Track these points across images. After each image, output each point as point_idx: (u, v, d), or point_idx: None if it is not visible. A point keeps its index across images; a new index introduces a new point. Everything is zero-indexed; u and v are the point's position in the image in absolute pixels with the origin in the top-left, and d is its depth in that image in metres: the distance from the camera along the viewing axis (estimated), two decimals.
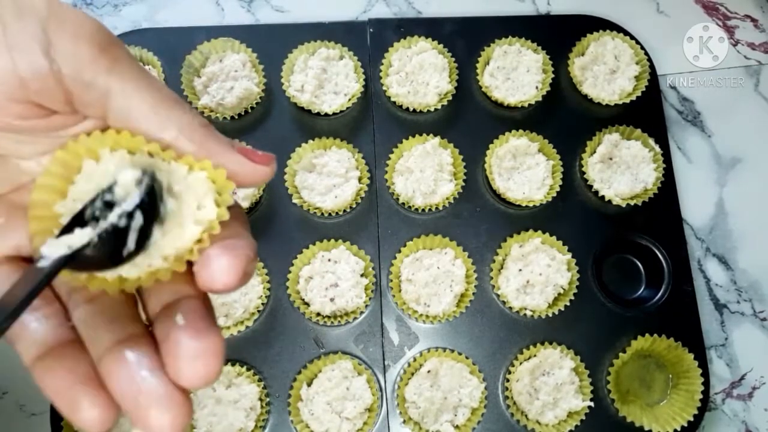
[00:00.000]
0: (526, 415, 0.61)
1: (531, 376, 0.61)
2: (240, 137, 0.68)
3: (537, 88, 0.70)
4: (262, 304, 0.62)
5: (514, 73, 0.71)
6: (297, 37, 0.70)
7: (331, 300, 0.61)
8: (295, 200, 0.65)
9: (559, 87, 0.72)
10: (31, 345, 0.22)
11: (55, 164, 0.23)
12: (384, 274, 0.64)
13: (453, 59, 0.70)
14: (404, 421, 0.59)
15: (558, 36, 0.73)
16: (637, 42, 0.73)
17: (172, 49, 0.69)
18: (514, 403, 0.62)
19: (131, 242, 0.21)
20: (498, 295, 0.64)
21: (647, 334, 0.63)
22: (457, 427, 0.60)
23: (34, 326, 0.22)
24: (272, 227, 0.66)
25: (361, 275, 0.63)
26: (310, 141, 0.67)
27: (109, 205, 0.21)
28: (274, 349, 0.62)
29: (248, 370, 0.61)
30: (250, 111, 0.69)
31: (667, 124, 0.73)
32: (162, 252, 0.22)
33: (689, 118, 0.76)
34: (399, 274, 0.64)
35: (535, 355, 0.62)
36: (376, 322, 0.63)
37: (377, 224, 0.66)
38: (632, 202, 0.67)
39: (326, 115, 0.67)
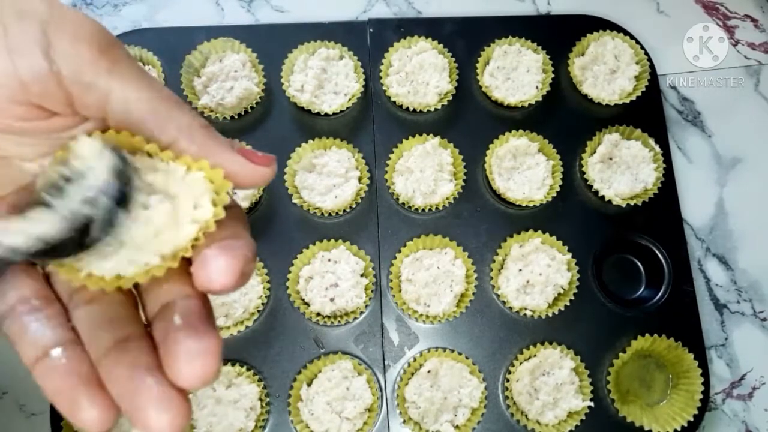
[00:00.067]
0: (526, 415, 0.61)
1: (531, 376, 0.61)
2: (240, 137, 0.68)
3: (537, 88, 0.70)
4: (262, 304, 0.62)
5: (514, 73, 0.71)
6: (297, 37, 0.70)
7: (331, 300, 0.62)
8: (295, 200, 0.65)
9: (559, 87, 0.72)
10: (31, 345, 0.22)
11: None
12: (384, 274, 0.65)
13: (453, 59, 0.70)
14: (404, 421, 0.59)
15: (558, 36, 0.73)
16: (637, 42, 0.73)
17: (172, 49, 0.69)
18: (514, 403, 0.62)
19: (95, 230, 0.20)
20: (498, 295, 0.64)
21: (647, 334, 0.63)
22: (457, 427, 0.60)
23: (35, 327, 0.22)
24: (272, 227, 0.66)
25: (361, 275, 0.63)
26: (310, 141, 0.67)
27: (69, 180, 0.20)
28: (274, 349, 0.62)
29: (248, 370, 0.61)
30: (250, 111, 0.69)
31: (667, 124, 0.73)
32: (159, 250, 0.22)
33: (689, 118, 0.76)
34: (399, 274, 0.64)
35: (535, 355, 0.62)
36: (376, 322, 0.63)
37: (377, 224, 0.66)
38: (632, 202, 0.67)
39: (326, 115, 0.68)
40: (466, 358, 0.62)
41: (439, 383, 0.61)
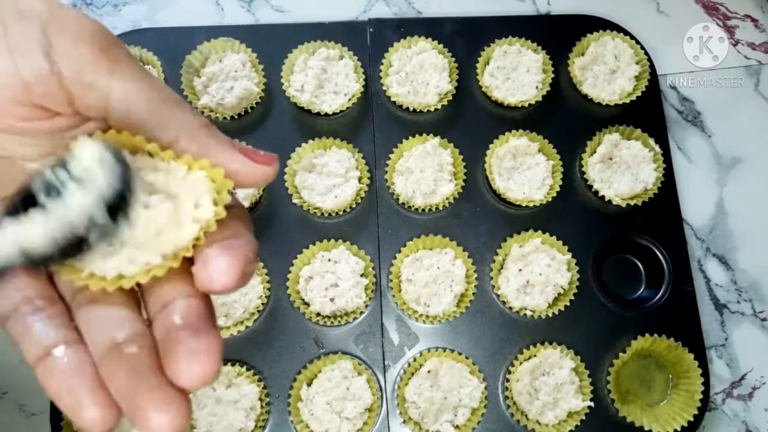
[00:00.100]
0: (526, 415, 0.61)
1: (531, 376, 0.61)
2: (240, 137, 0.68)
3: (537, 88, 0.70)
4: (262, 304, 0.62)
5: (514, 73, 0.71)
6: (297, 37, 0.70)
7: (331, 300, 0.62)
8: (295, 200, 0.65)
9: (559, 87, 0.72)
10: (34, 345, 0.22)
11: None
12: (384, 274, 0.65)
13: (453, 59, 0.70)
14: (404, 421, 0.59)
15: (558, 36, 0.73)
16: (637, 42, 0.73)
17: (172, 49, 0.69)
18: (514, 403, 0.62)
19: (93, 237, 0.20)
20: (498, 295, 0.64)
21: (647, 334, 0.63)
22: (457, 427, 0.60)
23: (38, 326, 0.22)
24: (272, 227, 0.66)
25: (361, 275, 0.63)
26: (310, 141, 0.67)
27: (67, 185, 0.20)
28: (274, 349, 0.62)
29: (248, 370, 0.61)
30: (250, 111, 0.69)
31: (667, 124, 0.73)
32: (161, 249, 0.22)
33: (689, 118, 0.76)
34: (399, 274, 0.64)
35: (535, 355, 0.62)
36: (376, 322, 0.63)
37: (377, 224, 0.66)
38: (632, 202, 0.67)
39: (326, 115, 0.68)
40: (466, 358, 0.62)
41: (439, 383, 0.61)
